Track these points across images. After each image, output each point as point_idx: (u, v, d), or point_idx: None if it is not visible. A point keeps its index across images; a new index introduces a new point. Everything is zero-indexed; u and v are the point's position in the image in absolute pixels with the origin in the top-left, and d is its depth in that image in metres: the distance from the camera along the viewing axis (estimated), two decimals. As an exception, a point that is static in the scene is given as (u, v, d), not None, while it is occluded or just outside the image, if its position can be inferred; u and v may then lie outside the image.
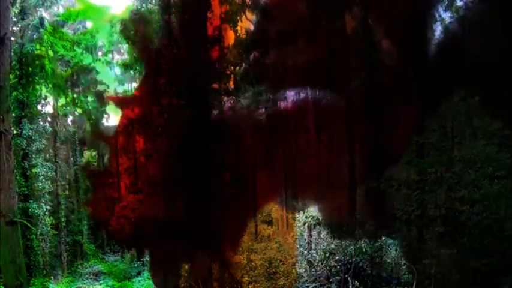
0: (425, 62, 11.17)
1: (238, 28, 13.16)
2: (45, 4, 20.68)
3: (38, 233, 19.99)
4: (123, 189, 14.29)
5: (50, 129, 22.24)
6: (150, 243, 14.52)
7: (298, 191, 13.72)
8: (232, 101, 13.21)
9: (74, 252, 25.00)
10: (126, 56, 21.67)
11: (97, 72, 22.04)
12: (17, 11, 19.27)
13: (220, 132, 12.98)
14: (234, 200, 12.82)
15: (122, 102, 15.20)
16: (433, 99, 10.82)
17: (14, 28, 19.49)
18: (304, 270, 14.83)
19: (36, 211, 19.77)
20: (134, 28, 13.87)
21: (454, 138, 10.99)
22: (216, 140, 12.87)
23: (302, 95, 12.92)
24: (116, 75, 22.23)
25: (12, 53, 17.55)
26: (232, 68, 13.26)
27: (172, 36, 13.30)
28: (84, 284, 21.71)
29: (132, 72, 18.58)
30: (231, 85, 13.32)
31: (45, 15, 20.80)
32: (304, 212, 15.91)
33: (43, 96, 21.33)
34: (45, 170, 20.98)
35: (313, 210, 15.71)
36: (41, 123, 21.26)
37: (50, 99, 22.25)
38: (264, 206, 15.16)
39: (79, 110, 23.54)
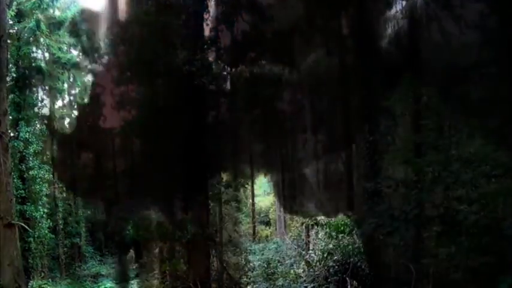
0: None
1: (235, 29, 13.13)
2: (42, 7, 20.65)
3: (36, 236, 19.94)
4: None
5: (47, 131, 22.21)
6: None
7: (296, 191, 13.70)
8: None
9: (72, 255, 24.97)
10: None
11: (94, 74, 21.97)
12: (13, 13, 19.23)
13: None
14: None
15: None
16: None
17: (11, 31, 19.45)
18: (302, 270, 14.80)
19: (33, 214, 19.75)
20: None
21: (452, 137, 10.97)
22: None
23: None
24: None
25: (9, 56, 17.51)
26: (228, 69, 13.22)
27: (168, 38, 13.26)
28: (83, 286, 21.68)
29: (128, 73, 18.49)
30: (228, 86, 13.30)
31: (41, 17, 20.76)
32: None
33: (40, 98, 21.30)
34: (42, 172, 20.94)
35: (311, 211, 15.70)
36: (38, 125, 21.23)
37: (47, 101, 22.20)
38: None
39: (76, 112, 23.51)
